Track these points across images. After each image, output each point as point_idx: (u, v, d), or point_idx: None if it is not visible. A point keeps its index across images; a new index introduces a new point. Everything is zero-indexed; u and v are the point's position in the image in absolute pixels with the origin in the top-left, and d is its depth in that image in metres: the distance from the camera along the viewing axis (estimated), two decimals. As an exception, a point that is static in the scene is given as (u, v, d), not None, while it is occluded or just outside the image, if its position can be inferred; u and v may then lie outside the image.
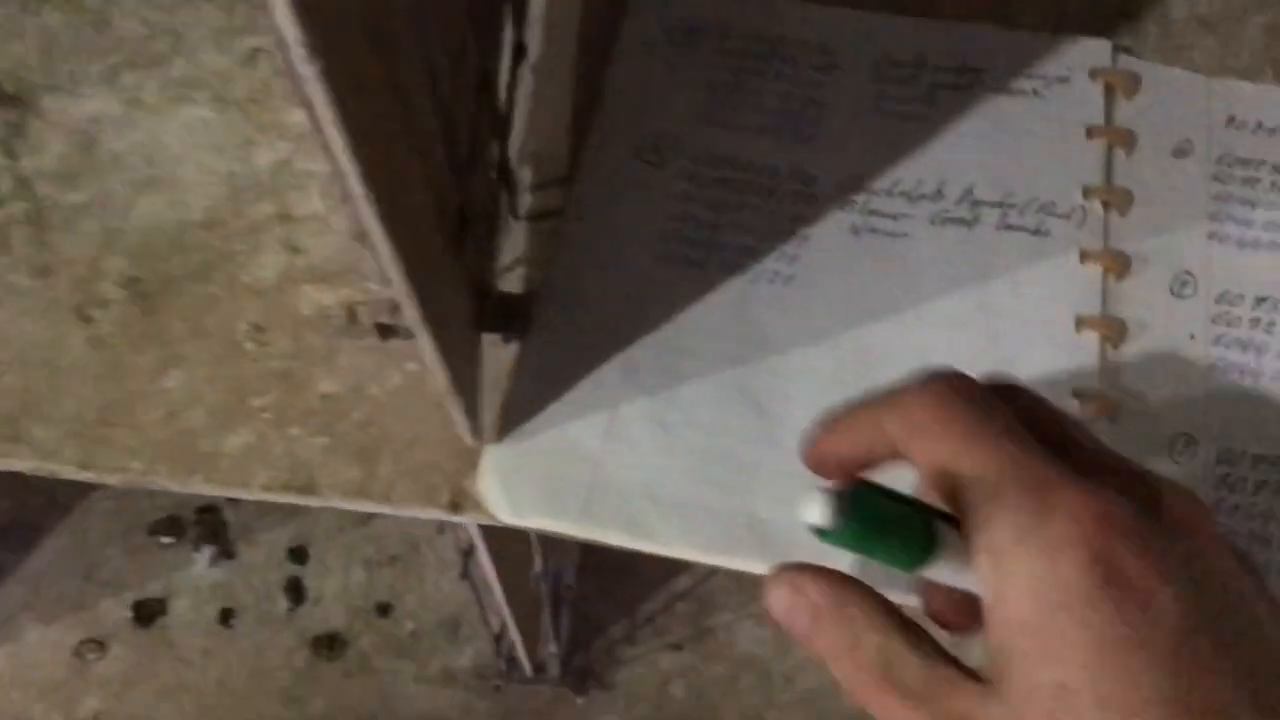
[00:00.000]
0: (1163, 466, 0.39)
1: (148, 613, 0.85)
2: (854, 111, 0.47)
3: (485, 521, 0.41)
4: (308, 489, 0.42)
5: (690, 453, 0.41)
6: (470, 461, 0.42)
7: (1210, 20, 0.50)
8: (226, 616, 0.84)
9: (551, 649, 0.74)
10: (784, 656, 0.79)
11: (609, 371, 0.42)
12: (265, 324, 0.46)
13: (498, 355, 0.44)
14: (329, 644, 0.83)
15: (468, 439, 0.40)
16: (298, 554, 0.86)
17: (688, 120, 0.48)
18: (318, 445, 0.43)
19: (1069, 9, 0.50)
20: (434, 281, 0.35)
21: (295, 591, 0.85)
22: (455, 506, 0.42)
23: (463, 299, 0.39)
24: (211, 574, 0.86)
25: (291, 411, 0.44)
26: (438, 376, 0.36)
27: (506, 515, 0.40)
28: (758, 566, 0.39)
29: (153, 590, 0.85)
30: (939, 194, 0.45)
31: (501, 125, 0.43)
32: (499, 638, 0.74)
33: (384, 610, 0.83)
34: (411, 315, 0.33)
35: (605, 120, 0.48)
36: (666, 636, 0.80)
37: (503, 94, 0.45)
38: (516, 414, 0.42)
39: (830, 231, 0.45)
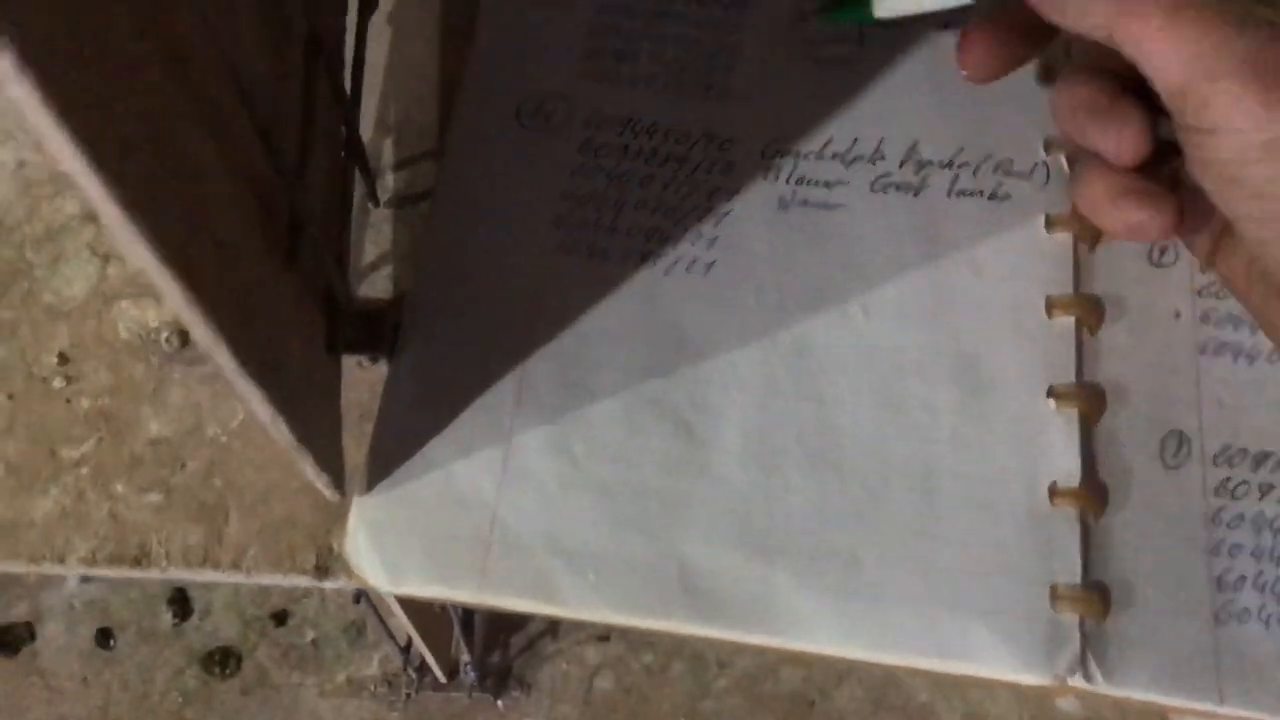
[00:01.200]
0: (1153, 474, 0.34)
1: (13, 640, 0.76)
2: (773, 57, 0.40)
3: (359, 587, 0.34)
4: (140, 560, 0.35)
5: (603, 490, 0.34)
6: (338, 514, 0.34)
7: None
8: (105, 637, 0.76)
9: (465, 657, 0.68)
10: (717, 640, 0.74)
11: (499, 393, 0.35)
12: (75, 353, 0.37)
13: (366, 377, 0.37)
14: (222, 659, 0.75)
15: (328, 493, 0.32)
16: (180, 561, 0.78)
17: (575, 73, 0.40)
18: (149, 504, 0.35)
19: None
20: (254, 312, 0.27)
21: (180, 604, 0.77)
22: (323, 571, 0.34)
23: (306, 321, 0.32)
24: (84, 591, 0.77)
25: (114, 463, 0.36)
26: (276, 433, 0.28)
27: (383, 583, 0.33)
28: (697, 628, 0.32)
29: (17, 614, 0.76)
30: (878, 154, 0.38)
31: (348, 97, 0.35)
32: (406, 648, 0.67)
33: (280, 619, 0.76)
34: (224, 363, 0.25)
35: (476, 77, 0.40)
36: (591, 627, 0.74)
37: (349, 54, 0.37)
38: (388, 455, 0.34)
39: (754, 206, 0.38)
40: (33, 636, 0.77)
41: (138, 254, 0.21)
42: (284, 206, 0.29)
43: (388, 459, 0.34)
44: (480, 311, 0.36)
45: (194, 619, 0.78)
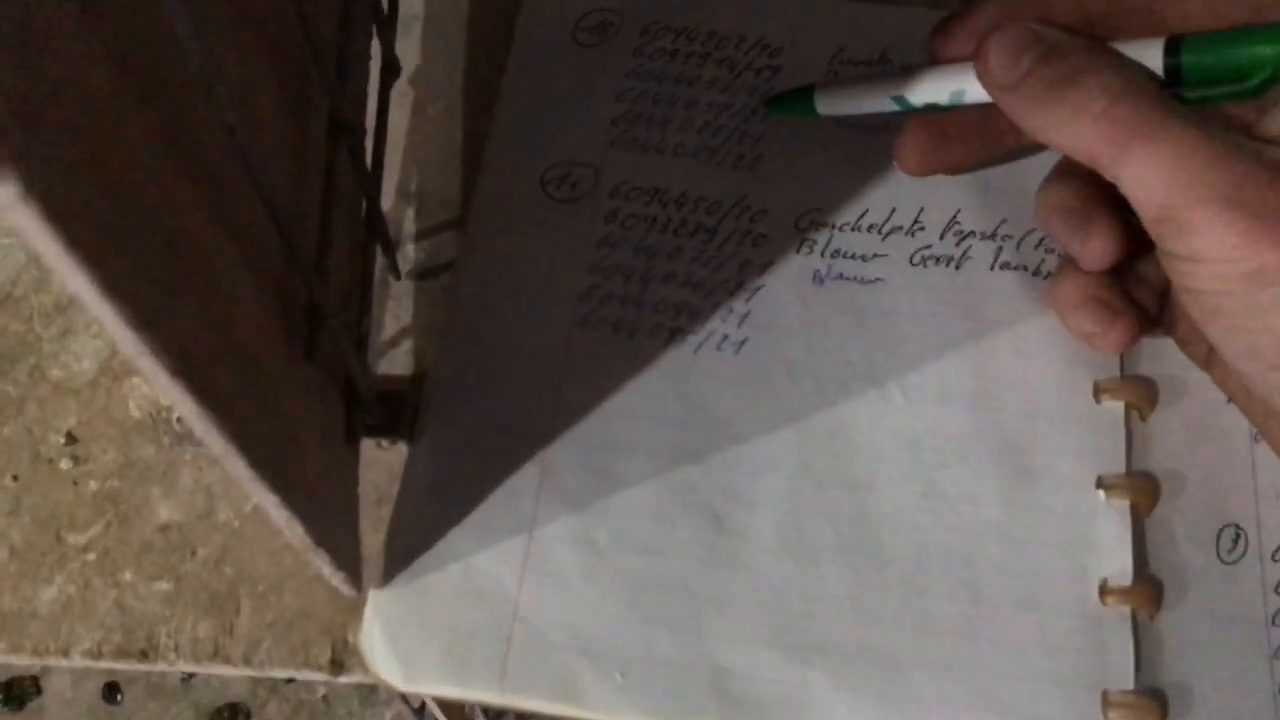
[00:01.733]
0: (1210, 570, 0.32)
1: (19, 694, 0.74)
2: (806, 125, 0.38)
3: (374, 683, 0.33)
4: (148, 652, 0.33)
5: (630, 583, 0.32)
6: (355, 604, 0.33)
7: None
8: (112, 692, 0.74)
9: (480, 720, 0.67)
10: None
11: (521, 479, 0.34)
12: (83, 432, 0.36)
13: (384, 457, 0.36)
14: (231, 716, 0.74)
15: (345, 590, 0.31)
16: (190, 612, 0.77)
17: (603, 142, 0.39)
18: (157, 593, 0.34)
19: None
20: (270, 412, 0.25)
21: (189, 657, 0.76)
22: (338, 666, 0.33)
23: (324, 414, 0.30)
24: (92, 642, 0.76)
25: (122, 549, 0.34)
26: (292, 535, 0.27)
27: (399, 682, 0.31)
28: (725, 736, 0.31)
29: (24, 667, 0.75)
30: (917, 225, 0.37)
31: (369, 171, 0.34)
32: (420, 709, 0.66)
33: (291, 674, 0.74)
34: (238, 471, 0.24)
35: (500, 144, 0.39)
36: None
37: (370, 123, 0.35)
38: (406, 546, 0.33)
39: (787, 280, 0.36)
40: (39, 690, 0.76)
41: (145, 366, 0.20)
42: (303, 297, 0.28)
43: (405, 550, 0.33)
44: (502, 391, 0.35)
45: (204, 673, 0.76)
